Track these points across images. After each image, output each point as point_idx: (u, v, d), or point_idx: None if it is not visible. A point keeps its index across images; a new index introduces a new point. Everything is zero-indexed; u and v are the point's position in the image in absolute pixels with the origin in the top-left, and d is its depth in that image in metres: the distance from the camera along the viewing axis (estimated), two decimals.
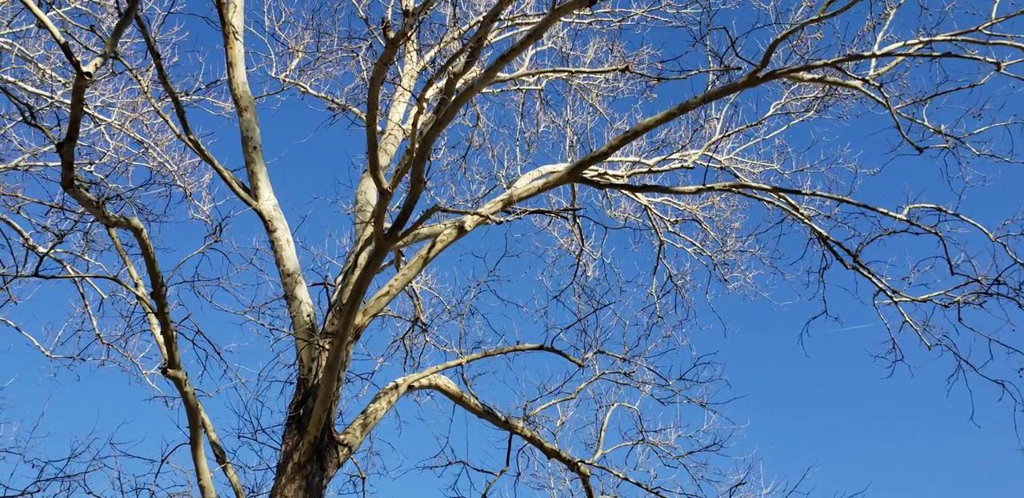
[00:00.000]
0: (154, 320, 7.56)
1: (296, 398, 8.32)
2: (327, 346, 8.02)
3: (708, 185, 8.98)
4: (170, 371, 6.22)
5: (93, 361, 12.32)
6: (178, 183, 13.23)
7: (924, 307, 9.24)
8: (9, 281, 11.28)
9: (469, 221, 9.00)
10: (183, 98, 9.75)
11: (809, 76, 8.79)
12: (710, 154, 12.47)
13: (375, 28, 9.67)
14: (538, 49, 14.05)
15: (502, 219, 8.42)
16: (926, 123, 9.35)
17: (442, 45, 10.63)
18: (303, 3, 14.69)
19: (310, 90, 11.81)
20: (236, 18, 9.15)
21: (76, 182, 4.81)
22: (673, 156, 11.96)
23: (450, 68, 7.65)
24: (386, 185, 7.16)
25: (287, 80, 11.81)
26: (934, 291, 9.16)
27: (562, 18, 12.20)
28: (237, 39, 9.08)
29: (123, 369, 12.01)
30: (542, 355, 10.41)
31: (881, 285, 9.24)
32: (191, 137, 8.07)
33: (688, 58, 11.06)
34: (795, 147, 12.48)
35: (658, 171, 11.28)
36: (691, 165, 11.44)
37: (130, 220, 5.58)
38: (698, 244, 13.05)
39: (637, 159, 12.56)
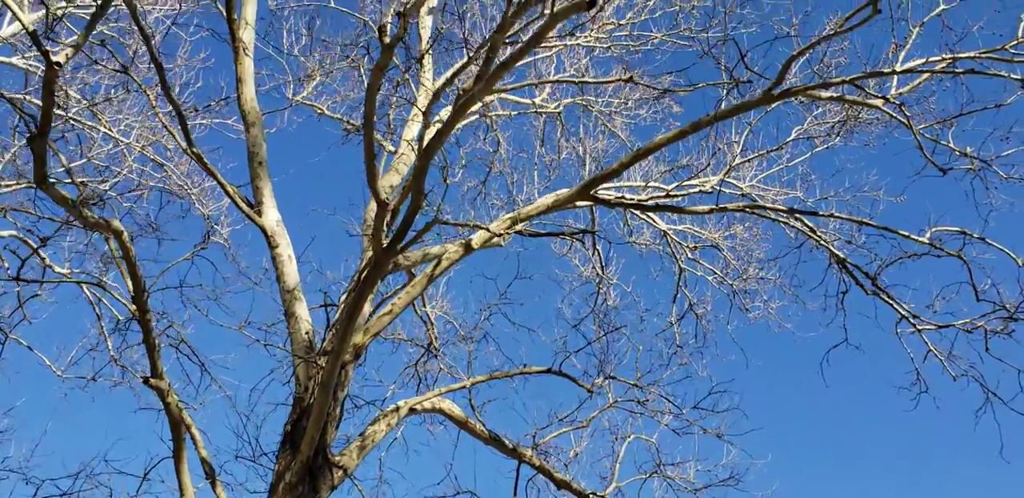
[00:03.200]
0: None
1: (292, 417, 8.12)
2: (323, 364, 7.82)
3: (722, 205, 8.73)
4: (152, 381, 6.05)
5: (106, 382, 12.22)
6: (198, 207, 13.26)
7: (949, 335, 8.85)
8: (25, 301, 11.26)
9: (476, 238, 8.81)
10: (192, 113, 9.72)
11: (827, 94, 8.55)
12: (730, 180, 12.22)
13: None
14: (561, 78, 13.98)
15: (503, 232, 8.22)
16: (951, 144, 9.04)
17: (461, 66, 10.53)
18: (324, 26, 14.66)
19: (326, 111, 11.77)
20: (247, 34, 9.14)
21: (51, 179, 4.69)
22: (693, 182, 11.73)
23: (456, 81, 7.53)
24: (384, 196, 7.00)
25: (304, 102, 11.79)
26: (960, 319, 8.77)
27: (581, 43, 12.15)
28: (247, 55, 9.06)
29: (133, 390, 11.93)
30: (555, 381, 10.10)
31: (903, 312, 8.86)
32: (194, 150, 8.00)
33: (703, 74, 10.86)
34: (820, 174, 12.14)
35: (676, 195, 11.03)
36: (709, 190, 11.18)
37: (109, 221, 5.46)
38: (719, 272, 12.74)
39: (657, 184, 12.35)
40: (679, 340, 12.87)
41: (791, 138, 11.42)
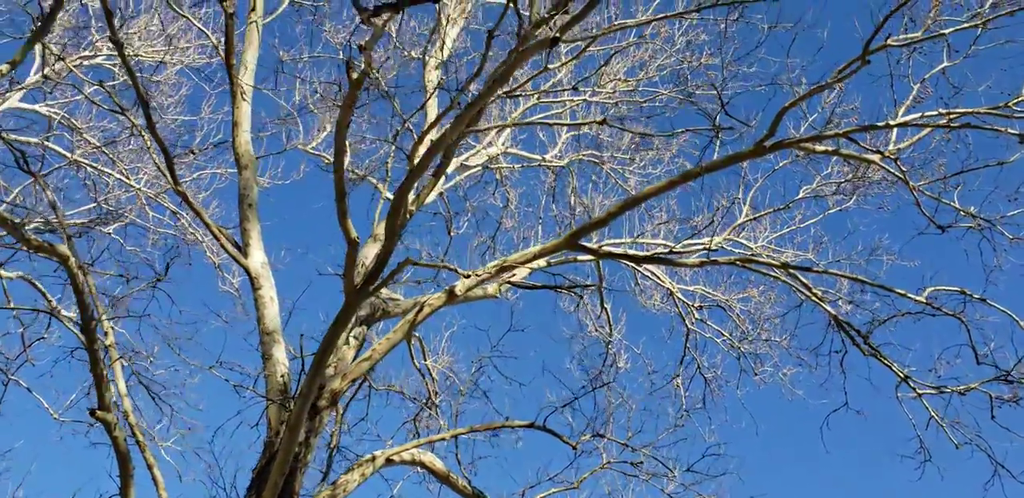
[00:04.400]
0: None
1: (261, 462, 7.92)
2: (291, 407, 7.65)
3: (712, 258, 8.51)
4: (99, 413, 5.92)
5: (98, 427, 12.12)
6: (209, 256, 13.34)
7: (953, 400, 8.43)
8: (30, 345, 11.29)
9: (460, 286, 8.68)
10: (190, 155, 9.82)
11: (822, 148, 8.39)
12: (740, 240, 12.01)
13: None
14: (572, 134, 14.01)
15: (473, 273, 8.07)
16: (955, 204, 8.79)
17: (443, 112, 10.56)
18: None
19: (355, 170, 11.86)
20: (247, 78, 9.28)
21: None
22: (701, 241, 11.54)
23: (434, 129, 7.52)
24: (354, 235, 6.92)
25: (311, 151, 11.92)
26: (962, 383, 8.37)
27: (588, 98, 12.17)
28: (245, 100, 9.18)
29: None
30: (548, 438, 9.80)
31: (902, 375, 8.49)
32: (180, 189, 8.04)
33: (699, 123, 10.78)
34: (832, 236, 11.87)
35: (680, 252, 10.83)
36: (715, 248, 10.96)
37: (55, 246, 5.43)
38: (727, 334, 12.40)
39: (661, 241, 12.17)
40: (685, 404, 12.51)
41: (799, 197, 11.21)
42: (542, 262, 11.39)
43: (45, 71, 12.17)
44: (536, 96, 11.55)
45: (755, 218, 11.22)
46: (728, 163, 8.34)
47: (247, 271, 8.58)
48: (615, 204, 8.41)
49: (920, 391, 8.52)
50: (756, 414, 12.12)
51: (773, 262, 8.78)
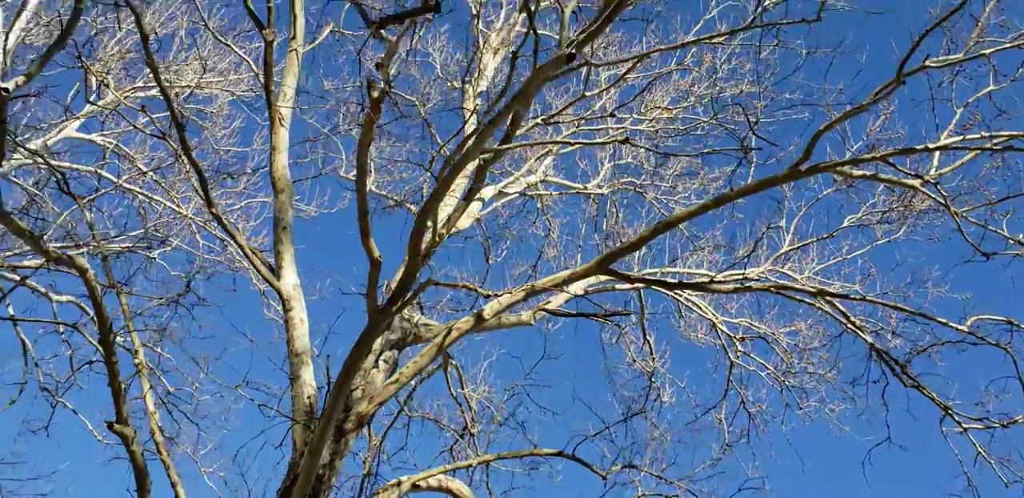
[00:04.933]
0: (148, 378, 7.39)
1: (285, 483, 7.89)
2: (313, 428, 7.62)
3: (747, 284, 8.32)
4: (116, 426, 5.96)
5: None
6: (255, 283, 13.52)
7: (1003, 434, 8.05)
8: (77, 370, 11.51)
9: (488, 309, 8.61)
10: (226, 179, 9.98)
11: (859, 172, 8.19)
12: (785, 271, 11.77)
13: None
14: (617, 162, 13.96)
15: (494, 293, 7.99)
16: (1003, 231, 8.49)
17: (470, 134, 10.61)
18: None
19: (373, 189, 11.97)
20: (285, 104, 9.43)
21: (7, 211, 4.79)
22: (743, 272, 11.32)
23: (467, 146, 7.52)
24: (376, 254, 6.92)
25: (351, 178, 12.05)
26: (1011, 417, 7.99)
27: (630, 126, 12.12)
28: (283, 126, 9.32)
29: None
30: (582, 469, 9.59)
31: (946, 408, 8.15)
32: (213, 211, 8.16)
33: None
34: (880, 268, 11.56)
35: (722, 282, 10.63)
36: (756, 277, 10.75)
37: (74, 258, 5.52)
38: (771, 367, 12.09)
39: (704, 272, 11.99)
40: (728, 438, 12.19)
41: (843, 226, 10.97)
42: (579, 289, 11.29)
43: (100, 102, 12.58)
44: (576, 123, 11.56)
45: (799, 247, 11.00)
46: (762, 187, 8.17)
47: (279, 293, 8.64)
48: (647, 229, 8.29)
49: (965, 425, 8.16)
50: (800, 450, 11.77)
51: (809, 289, 8.55)
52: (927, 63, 7.84)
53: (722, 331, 12.07)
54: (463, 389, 12.51)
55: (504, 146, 6.87)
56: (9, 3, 12.37)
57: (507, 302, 8.70)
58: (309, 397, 8.13)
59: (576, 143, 9.00)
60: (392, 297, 7.18)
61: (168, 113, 13.11)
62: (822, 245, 12.18)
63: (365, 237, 6.97)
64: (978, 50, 7.82)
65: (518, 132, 11.81)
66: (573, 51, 5.64)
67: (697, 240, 13.60)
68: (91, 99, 11.86)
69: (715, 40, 8.71)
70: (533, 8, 5.54)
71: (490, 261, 12.12)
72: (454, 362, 12.30)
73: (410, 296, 7.14)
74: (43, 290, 12.00)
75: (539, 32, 11.78)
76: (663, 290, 10.56)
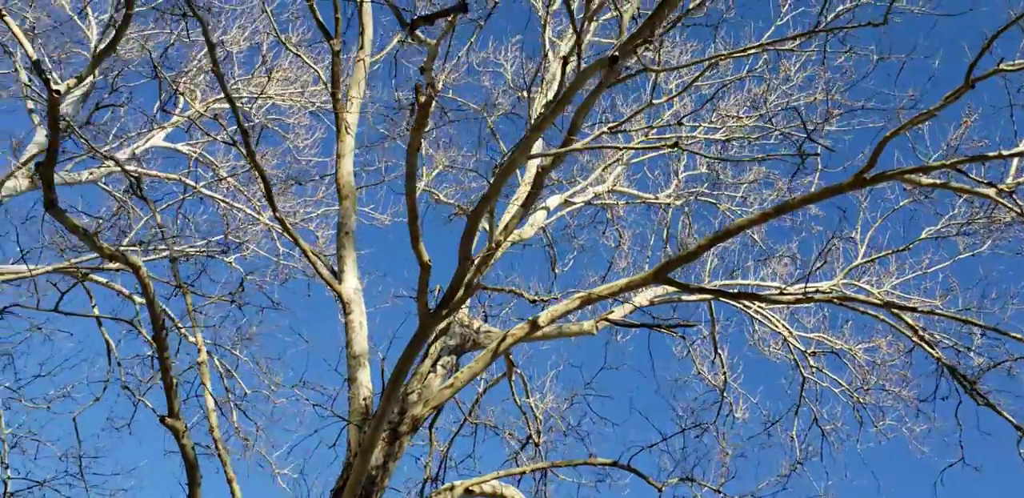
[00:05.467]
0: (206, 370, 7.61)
1: (338, 483, 8.00)
2: (366, 429, 7.71)
3: (808, 295, 8.09)
4: (168, 420, 6.14)
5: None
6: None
7: None
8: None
9: (544, 316, 8.59)
10: (294, 184, 10.21)
11: (928, 180, 7.91)
12: (861, 285, 11.42)
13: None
14: (690, 173, 13.80)
15: (540, 297, 7.95)
16: None
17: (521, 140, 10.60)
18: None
19: (442, 198, 12.12)
20: (352, 112, 9.63)
21: (60, 206, 5.01)
22: (817, 284, 11.04)
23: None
24: (426, 258, 6.98)
25: (425, 189, 12.21)
26: None
27: (703, 135, 11.96)
28: (349, 134, 9.51)
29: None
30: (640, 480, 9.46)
31: (1022, 429, 7.76)
32: (278, 215, 8.37)
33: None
34: (963, 282, 11.12)
35: (786, 293, 10.37)
36: (827, 290, 10.46)
37: (127, 255, 5.72)
38: (845, 384, 11.72)
39: (776, 284, 11.73)
40: (799, 454, 11.86)
41: (921, 237, 10.58)
42: (644, 300, 11.18)
43: (187, 112, 13.06)
44: (646, 132, 11.45)
45: (872, 260, 10.66)
46: (826, 195, 7.94)
47: (339, 296, 8.79)
48: (705, 237, 8.15)
49: None
50: (876, 469, 11.35)
51: (875, 300, 8.26)
52: (1002, 67, 7.54)
53: (794, 345, 11.77)
54: (527, 398, 12.51)
55: (551, 151, 6.86)
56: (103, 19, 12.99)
57: (563, 310, 8.66)
58: (365, 399, 8.24)
59: (625, 147, 8.89)
60: (442, 301, 7.24)
61: (240, 121, 13.57)
62: (902, 259, 11.81)
63: (415, 241, 7.04)
64: None
65: (584, 141, 11.81)
66: (616, 54, 5.61)
67: (773, 253, 13.35)
68: (171, 110, 12.30)
69: (780, 45, 8.54)
70: (574, 6, 5.54)
71: (556, 271, 12.13)
72: (519, 370, 12.31)
73: (458, 299, 7.18)
74: (127, 292, 12.47)
75: (608, 40, 11.82)
76: (728, 301, 10.37)
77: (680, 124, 10.20)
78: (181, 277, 7.58)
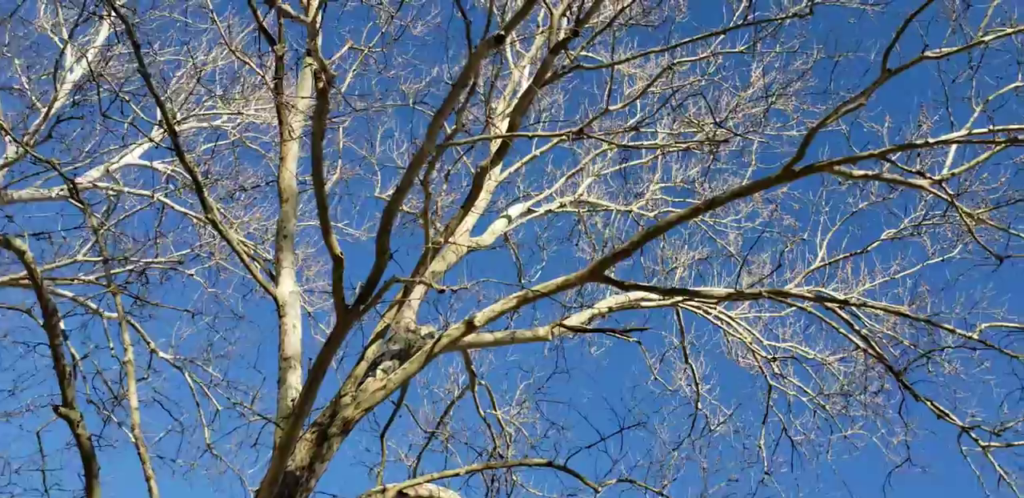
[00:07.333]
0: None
1: (262, 484, 7.90)
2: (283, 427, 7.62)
3: (739, 290, 7.96)
4: (62, 410, 6.09)
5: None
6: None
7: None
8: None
9: (480, 316, 8.50)
10: (239, 192, 10.24)
11: (859, 172, 7.79)
12: (826, 291, 11.22)
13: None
14: (666, 184, 13.69)
15: (449, 288, 7.87)
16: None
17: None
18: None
19: (406, 209, 12.09)
20: (296, 118, 9.66)
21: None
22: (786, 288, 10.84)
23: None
24: (338, 251, 6.96)
25: (386, 198, 12.22)
26: None
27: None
28: (292, 138, 9.55)
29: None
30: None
31: (962, 426, 7.53)
32: (209, 216, 8.38)
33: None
34: (932, 287, 10.87)
35: (723, 290, 10.14)
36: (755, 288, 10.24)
37: (11, 240, 5.74)
38: (811, 392, 11.46)
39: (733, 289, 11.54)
40: (768, 465, 11.59)
41: (881, 238, 10.37)
42: (604, 308, 11.05)
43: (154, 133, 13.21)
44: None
45: (829, 263, 10.47)
46: (757, 188, 7.91)
47: (275, 299, 8.75)
48: (637, 233, 8.07)
49: (985, 444, 7.51)
50: (850, 480, 11.04)
51: (805, 294, 8.10)
52: (927, 54, 7.46)
53: (758, 353, 11.55)
54: (494, 410, 12.35)
55: (461, 141, 6.82)
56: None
57: (500, 309, 8.58)
58: (292, 400, 8.15)
59: (522, 135, 8.73)
60: (360, 296, 7.20)
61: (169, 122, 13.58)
62: (871, 265, 11.61)
63: (326, 235, 7.02)
64: (980, 38, 7.39)
65: (542, 149, 11.77)
66: (502, 32, 5.60)
67: (749, 265, 13.17)
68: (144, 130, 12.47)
69: (709, 38, 8.49)
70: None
71: (523, 280, 12.07)
72: (483, 382, 12.18)
73: (375, 295, 7.13)
74: (94, 307, 12.55)
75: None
76: (663, 298, 10.20)
77: (635, 130, 10.09)
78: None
